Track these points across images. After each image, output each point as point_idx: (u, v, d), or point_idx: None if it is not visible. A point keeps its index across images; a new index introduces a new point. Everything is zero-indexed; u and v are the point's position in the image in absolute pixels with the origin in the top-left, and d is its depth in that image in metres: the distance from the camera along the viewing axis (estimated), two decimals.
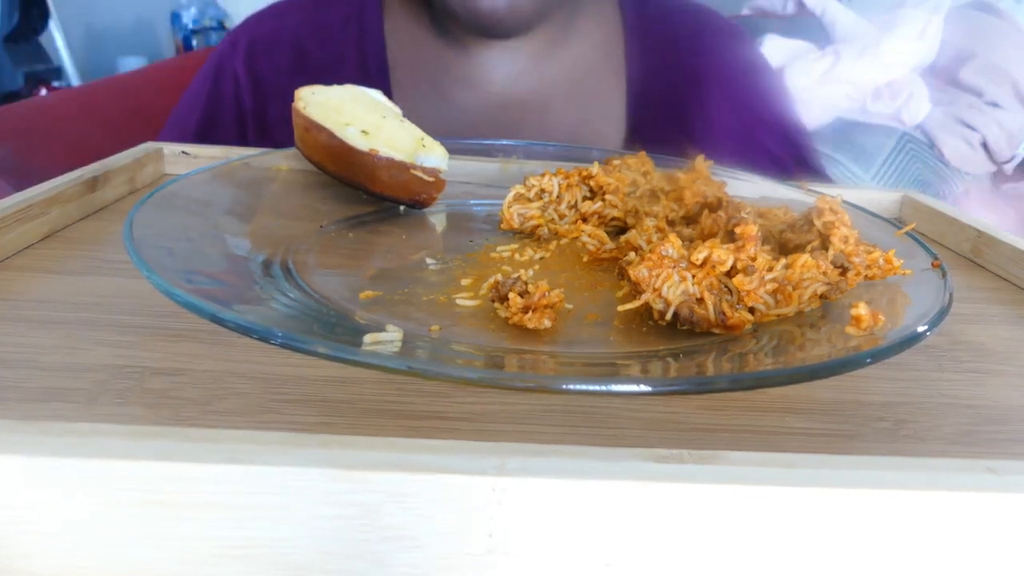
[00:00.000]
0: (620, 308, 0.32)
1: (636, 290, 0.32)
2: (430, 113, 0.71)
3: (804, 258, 0.33)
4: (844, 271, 0.35)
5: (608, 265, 0.40)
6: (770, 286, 0.32)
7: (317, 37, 0.74)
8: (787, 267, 0.33)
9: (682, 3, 0.79)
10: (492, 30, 0.68)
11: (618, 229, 0.45)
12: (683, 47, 0.75)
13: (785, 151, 0.75)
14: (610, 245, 0.41)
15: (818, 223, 0.37)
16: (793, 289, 0.33)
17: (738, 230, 0.36)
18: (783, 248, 0.38)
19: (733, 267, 0.32)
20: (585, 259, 0.41)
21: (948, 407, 0.29)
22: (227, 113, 0.74)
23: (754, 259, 0.32)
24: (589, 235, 0.42)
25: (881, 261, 0.35)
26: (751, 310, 0.32)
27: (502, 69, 0.72)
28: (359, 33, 0.73)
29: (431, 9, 0.72)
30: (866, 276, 0.35)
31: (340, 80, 0.50)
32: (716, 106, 0.73)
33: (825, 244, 0.36)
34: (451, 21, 0.69)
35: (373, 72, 0.72)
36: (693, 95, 0.73)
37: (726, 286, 0.32)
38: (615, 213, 0.45)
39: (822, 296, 0.33)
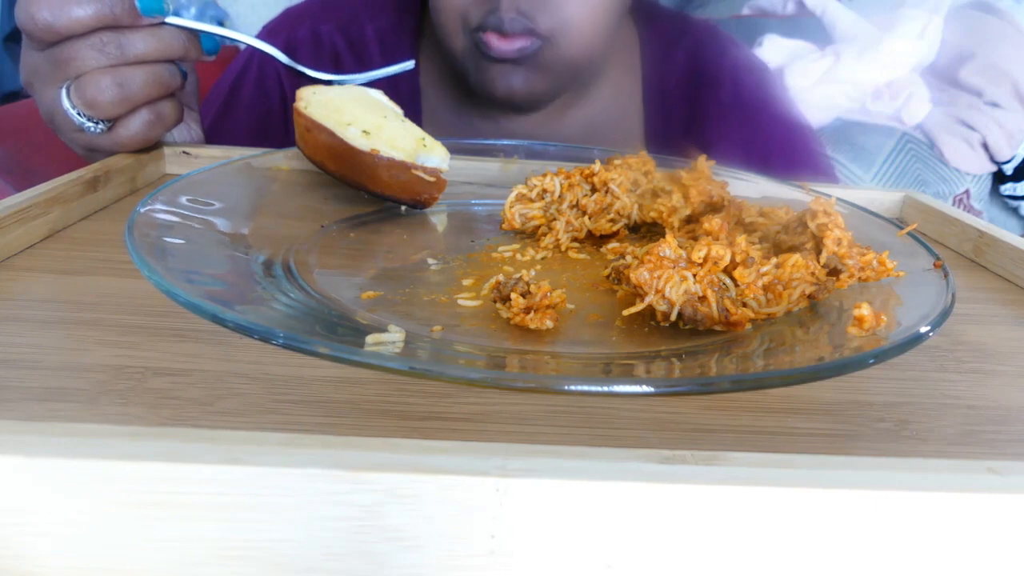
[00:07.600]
0: (624, 312, 0.32)
1: (636, 292, 0.32)
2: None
3: (794, 258, 0.33)
4: (836, 273, 0.35)
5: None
6: (765, 279, 0.32)
7: (351, 49, 0.75)
8: (778, 266, 0.33)
9: (706, 35, 0.81)
10: (511, 108, 0.70)
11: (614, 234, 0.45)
12: (703, 80, 0.77)
13: (800, 173, 0.79)
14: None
15: (812, 225, 0.37)
16: (783, 288, 0.33)
17: (705, 226, 0.36)
18: (778, 249, 0.38)
19: (732, 261, 0.32)
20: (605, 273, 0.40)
21: (949, 407, 0.29)
22: (265, 104, 0.75)
23: (747, 252, 0.33)
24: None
25: (875, 263, 0.35)
26: (743, 307, 0.32)
27: (523, 126, 0.75)
28: (393, 52, 0.74)
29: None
30: (860, 278, 0.35)
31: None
32: (734, 135, 0.77)
33: (819, 246, 0.36)
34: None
35: (405, 98, 0.72)
36: (711, 122, 0.77)
37: (724, 282, 0.32)
38: (620, 206, 0.45)
39: (810, 296, 0.33)
